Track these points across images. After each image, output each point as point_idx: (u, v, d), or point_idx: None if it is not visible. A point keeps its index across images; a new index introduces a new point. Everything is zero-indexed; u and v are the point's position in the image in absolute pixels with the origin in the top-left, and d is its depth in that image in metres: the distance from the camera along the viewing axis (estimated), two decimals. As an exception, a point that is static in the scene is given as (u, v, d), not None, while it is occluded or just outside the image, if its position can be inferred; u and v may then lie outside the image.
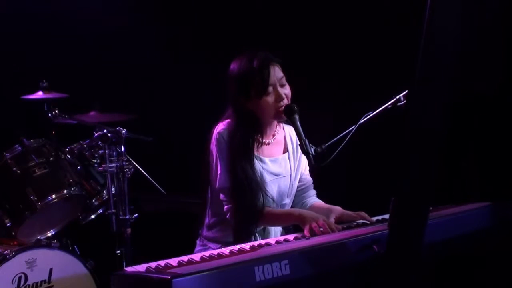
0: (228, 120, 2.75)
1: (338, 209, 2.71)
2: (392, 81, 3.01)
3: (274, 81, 2.68)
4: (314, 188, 2.99)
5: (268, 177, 2.76)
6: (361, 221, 2.57)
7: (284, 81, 2.72)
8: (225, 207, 2.71)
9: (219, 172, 2.71)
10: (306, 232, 2.45)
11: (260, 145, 2.77)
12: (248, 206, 2.65)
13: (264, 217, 2.68)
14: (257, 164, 2.73)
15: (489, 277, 2.62)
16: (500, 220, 2.53)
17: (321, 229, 2.44)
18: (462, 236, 2.40)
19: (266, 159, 2.77)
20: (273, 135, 2.84)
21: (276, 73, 2.70)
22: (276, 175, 2.79)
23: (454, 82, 1.88)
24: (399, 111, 2.78)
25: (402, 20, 3.71)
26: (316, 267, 2.00)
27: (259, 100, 2.67)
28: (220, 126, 2.75)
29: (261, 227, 2.76)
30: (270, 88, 2.67)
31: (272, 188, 2.77)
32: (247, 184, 2.65)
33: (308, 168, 2.94)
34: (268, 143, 2.81)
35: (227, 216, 2.71)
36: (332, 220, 2.58)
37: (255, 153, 2.73)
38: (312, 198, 2.94)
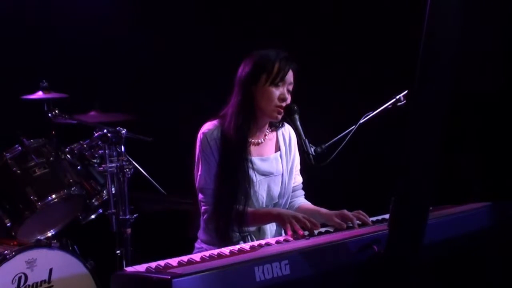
0: (217, 120, 2.75)
1: (325, 210, 2.71)
2: (392, 81, 3.02)
3: (287, 80, 2.69)
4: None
5: (256, 177, 2.75)
6: (359, 222, 2.56)
7: (291, 88, 2.73)
8: (203, 208, 2.72)
9: (199, 172, 2.72)
10: (289, 234, 2.46)
11: (248, 145, 2.76)
12: (226, 209, 2.65)
13: (244, 219, 2.68)
14: (244, 163, 2.71)
15: (489, 277, 2.62)
16: (500, 220, 2.53)
17: (306, 232, 2.43)
18: (462, 236, 2.40)
19: (256, 159, 2.76)
20: (264, 135, 2.84)
21: (291, 76, 2.71)
22: (266, 174, 2.79)
23: (454, 82, 1.87)
24: (399, 111, 2.78)
25: (402, 20, 3.71)
26: (316, 267, 2.00)
27: (266, 88, 2.67)
28: (205, 127, 2.75)
29: (255, 227, 2.76)
30: (281, 83, 2.68)
31: (261, 187, 2.77)
32: (228, 187, 2.65)
33: (299, 167, 2.94)
34: (258, 143, 2.81)
35: (203, 217, 2.72)
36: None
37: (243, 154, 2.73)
38: (300, 199, 2.93)
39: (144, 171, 3.92)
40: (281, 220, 2.57)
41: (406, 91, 2.79)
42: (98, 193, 3.60)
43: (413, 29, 2.00)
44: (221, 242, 2.61)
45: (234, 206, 2.66)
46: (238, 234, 2.70)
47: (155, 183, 4.02)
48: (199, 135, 2.74)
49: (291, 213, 2.59)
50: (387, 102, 2.82)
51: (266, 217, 2.71)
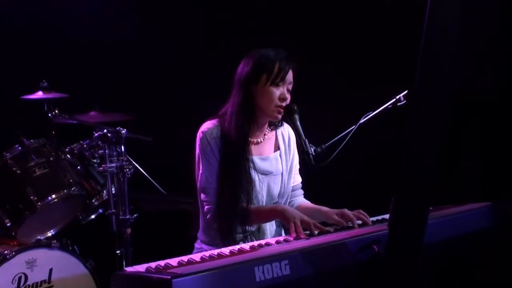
0: (215, 119, 2.75)
1: (326, 209, 2.71)
2: (392, 81, 3.01)
3: (287, 79, 2.69)
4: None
5: (257, 176, 2.75)
6: (360, 221, 2.56)
7: (290, 87, 2.72)
8: (206, 207, 2.72)
9: (200, 172, 2.72)
10: (292, 234, 2.46)
11: (249, 144, 2.75)
12: (229, 208, 2.65)
13: (248, 216, 2.67)
14: (245, 162, 2.71)
15: (489, 277, 2.62)
16: (500, 220, 2.53)
17: (306, 232, 2.43)
18: (462, 236, 2.40)
19: (256, 158, 2.76)
20: (264, 134, 2.84)
21: (291, 76, 2.71)
22: (266, 173, 2.79)
23: (454, 82, 1.87)
24: (399, 111, 2.78)
25: (402, 20, 3.71)
26: (316, 267, 2.00)
27: (266, 88, 2.67)
28: (205, 126, 2.75)
29: (255, 227, 2.76)
30: (281, 83, 2.68)
31: (262, 187, 2.77)
32: (230, 187, 2.65)
33: (298, 167, 2.94)
34: (258, 142, 2.81)
35: (207, 217, 2.71)
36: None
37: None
38: (299, 198, 2.93)
39: (144, 171, 3.92)
40: (286, 219, 2.56)
41: (406, 91, 2.79)
42: (98, 193, 3.60)
43: (413, 29, 2.00)
44: (224, 241, 2.60)
45: (237, 205, 2.65)
46: (241, 233, 2.70)
47: (155, 183, 4.02)
48: (199, 134, 2.74)
49: (296, 213, 2.57)
50: (387, 102, 2.82)
51: (270, 213, 2.71)
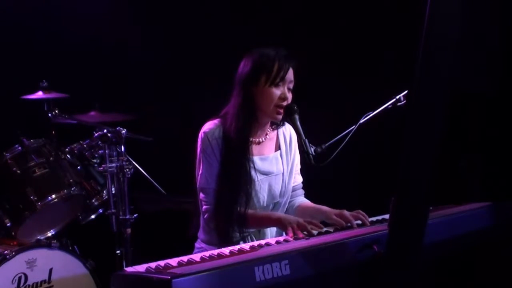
0: (217, 119, 2.75)
1: (326, 208, 2.71)
2: (392, 81, 3.02)
3: (287, 78, 2.68)
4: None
5: (257, 176, 2.75)
6: (359, 221, 2.56)
7: (291, 86, 2.71)
8: (204, 207, 2.72)
9: (200, 172, 2.72)
10: (290, 235, 2.45)
11: (250, 144, 2.75)
12: (228, 209, 2.65)
13: (245, 220, 2.67)
14: (246, 163, 2.71)
15: (489, 277, 2.62)
16: (500, 220, 2.53)
17: (305, 233, 2.43)
18: (462, 236, 2.40)
19: (256, 158, 2.76)
20: (266, 134, 2.83)
21: (291, 74, 2.70)
22: (267, 173, 2.78)
23: (454, 81, 1.87)
24: (399, 111, 2.78)
25: (402, 19, 3.71)
26: (316, 267, 2.00)
27: (266, 88, 2.66)
28: (207, 126, 2.74)
29: (253, 230, 2.76)
30: (281, 83, 2.67)
31: (262, 187, 2.77)
32: (229, 187, 2.65)
33: (299, 167, 2.94)
34: (259, 142, 2.81)
35: (204, 217, 2.71)
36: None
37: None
38: (300, 198, 2.92)
39: (144, 171, 3.92)
40: (282, 225, 2.57)
41: (406, 91, 2.79)
42: (98, 193, 3.60)
43: (413, 29, 2.00)
44: (222, 242, 2.61)
45: (235, 206, 2.65)
46: (238, 234, 2.70)
47: (155, 183, 4.02)
48: (200, 134, 2.74)
49: (292, 218, 2.58)
50: (387, 102, 2.82)
51: (266, 221, 2.71)
